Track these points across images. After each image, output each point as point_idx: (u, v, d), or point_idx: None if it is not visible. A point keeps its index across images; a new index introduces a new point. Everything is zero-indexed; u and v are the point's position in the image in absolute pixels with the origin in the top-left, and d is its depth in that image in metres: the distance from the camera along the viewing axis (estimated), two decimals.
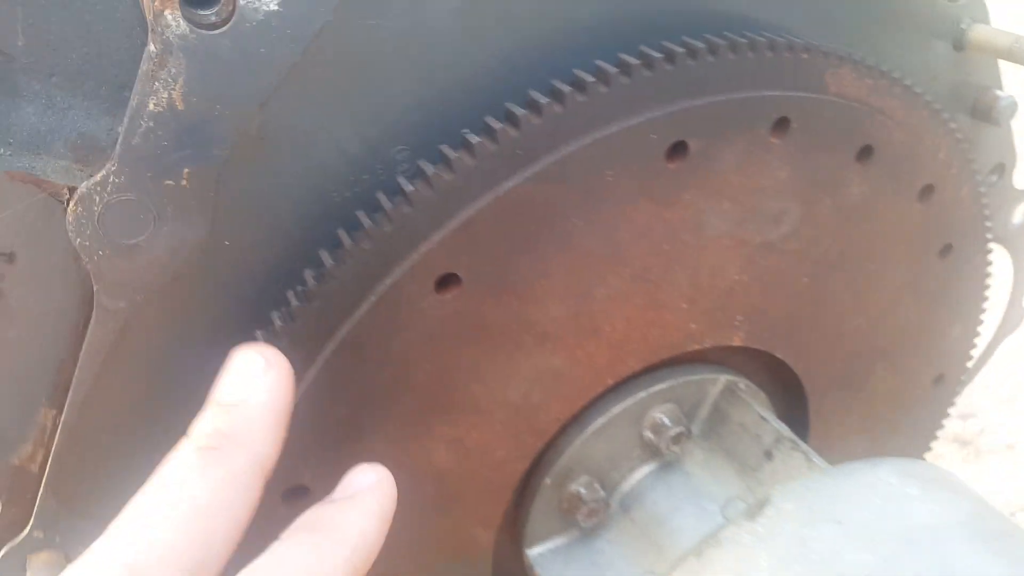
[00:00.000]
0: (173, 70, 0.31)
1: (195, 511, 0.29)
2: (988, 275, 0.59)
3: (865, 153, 0.45)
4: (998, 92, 0.55)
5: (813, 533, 0.35)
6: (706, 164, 0.40)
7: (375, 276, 0.36)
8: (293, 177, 0.36)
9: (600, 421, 0.48)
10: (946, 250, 0.53)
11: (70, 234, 0.33)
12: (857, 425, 0.60)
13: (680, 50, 0.38)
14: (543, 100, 0.36)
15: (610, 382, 0.46)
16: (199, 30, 0.31)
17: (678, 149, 0.39)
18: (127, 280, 0.34)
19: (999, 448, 2.49)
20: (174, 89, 0.32)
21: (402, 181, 0.36)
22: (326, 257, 0.36)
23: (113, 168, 0.32)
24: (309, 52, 0.34)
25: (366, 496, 0.33)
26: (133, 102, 0.32)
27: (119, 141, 0.32)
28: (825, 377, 0.54)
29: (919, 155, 0.47)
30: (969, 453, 2.49)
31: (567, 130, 0.36)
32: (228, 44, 0.32)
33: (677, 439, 0.49)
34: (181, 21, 0.31)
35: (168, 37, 0.31)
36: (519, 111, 0.36)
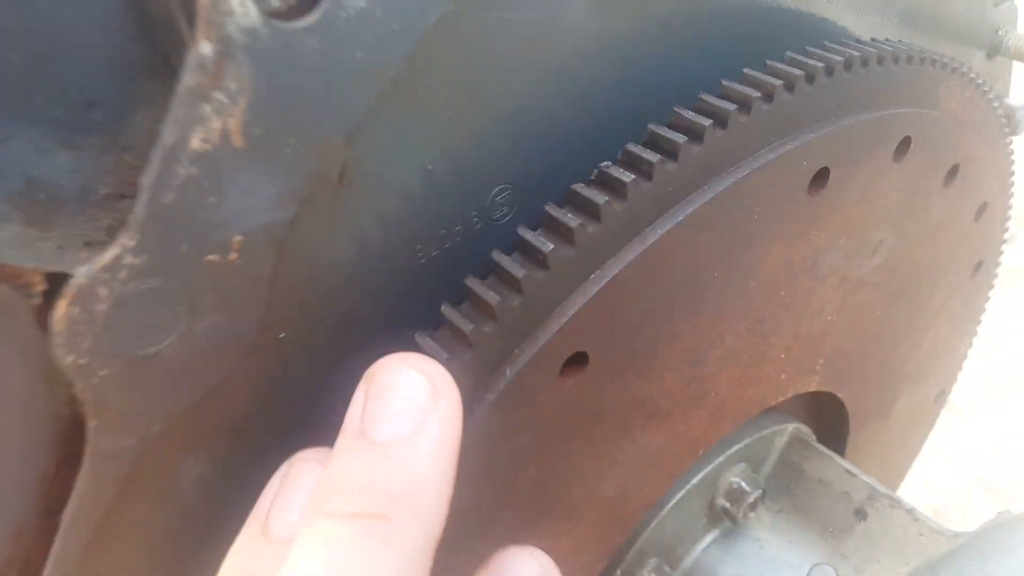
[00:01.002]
0: (234, 85, 0.20)
1: None
2: (992, 286, 0.58)
3: (952, 173, 0.41)
4: (1014, 103, 0.53)
5: None
6: (839, 194, 0.34)
7: (491, 367, 0.26)
8: (374, 235, 0.25)
9: (677, 496, 0.41)
10: (977, 267, 0.51)
11: (57, 351, 0.20)
12: (879, 451, 0.57)
13: (818, 65, 0.31)
14: (704, 123, 0.28)
15: (701, 453, 0.39)
16: (275, 22, 0.20)
17: (820, 177, 0.32)
18: (140, 407, 0.22)
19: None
20: (232, 116, 0.20)
21: (527, 235, 0.26)
22: (426, 342, 0.26)
23: (131, 244, 0.20)
24: (409, 67, 0.23)
25: None
26: (167, 139, 0.20)
27: (144, 200, 0.20)
28: (869, 410, 0.50)
29: (986, 172, 0.44)
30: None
31: (725, 160, 0.28)
32: (315, 45, 0.21)
33: (754, 504, 0.43)
34: (251, 7, 0.19)
35: (230, 32, 0.19)
36: (676, 137, 0.27)
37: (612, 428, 0.32)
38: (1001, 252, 0.55)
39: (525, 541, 0.32)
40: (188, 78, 0.19)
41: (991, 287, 0.57)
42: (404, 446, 0.22)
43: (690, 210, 0.28)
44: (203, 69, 0.19)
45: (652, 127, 0.29)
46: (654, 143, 0.28)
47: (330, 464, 0.22)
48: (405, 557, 0.21)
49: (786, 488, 0.45)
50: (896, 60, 0.34)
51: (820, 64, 0.31)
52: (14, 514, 0.24)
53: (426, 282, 0.27)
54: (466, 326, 0.25)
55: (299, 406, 0.26)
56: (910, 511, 0.41)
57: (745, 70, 0.31)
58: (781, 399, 0.41)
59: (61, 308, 0.20)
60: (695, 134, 0.28)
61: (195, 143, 0.20)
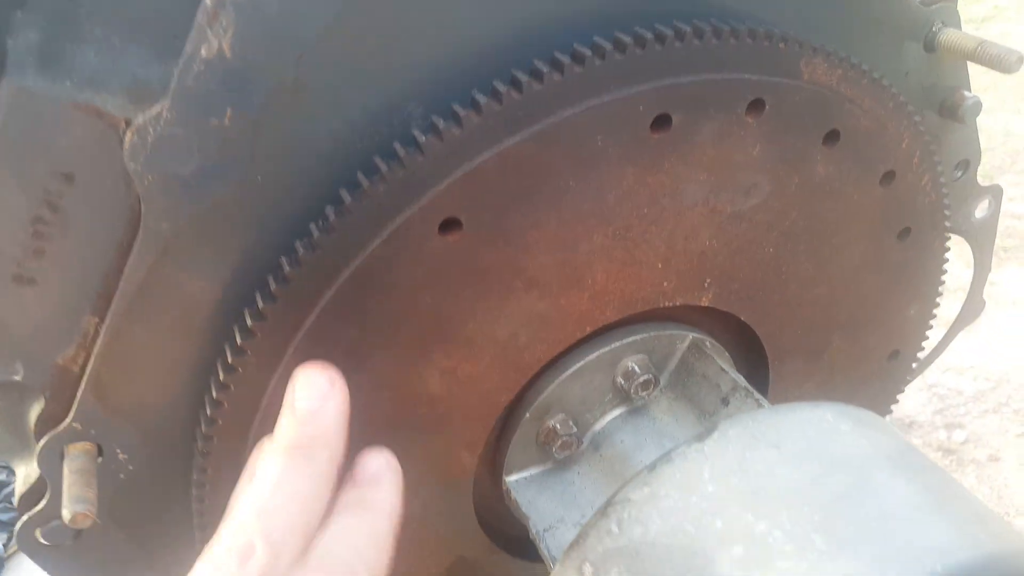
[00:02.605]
0: (224, 22, 0.36)
1: (302, 499, 0.39)
2: (946, 260, 0.64)
3: (832, 137, 0.50)
4: (965, 92, 0.60)
5: (752, 454, 0.40)
6: (686, 137, 0.45)
7: (387, 215, 0.41)
8: (321, 125, 0.41)
9: (577, 365, 0.53)
10: (905, 233, 0.59)
11: (125, 159, 0.38)
12: (815, 393, 0.66)
13: (669, 32, 0.43)
14: (545, 69, 0.41)
15: (588, 330, 0.51)
16: None
17: (662, 121, 0.44)
18: (171, 205, 0.39)
19: (982, 460, 2.56)
20: (224, 39, 0.37)
21: (416, 134, 0.41)
22: (346, 196, 0.41)
23: (167, 105, 0.37)
24: (342, 13, 0.38)
25: (386, 478, 0.43)
26: (188, 48, 0.36)
27: (174, 81, 0.37)
28: (785, 342, 0.60)
29: (883, 142, 0.52)
30: (952, 462, 2.56)
31: (564, 97, 0.41)
32: (274, 2, 0.37)
33: (645, 385, 0.55)
34: None
35: None
36: (523, 77, 0.41)
37: (496, 285, 0.46)
38: (948, 227, 0.62)
39: (429, 353, 0.47)
40: (198, 17, 0.36)
41: (943, 260, 0.64)
42: (315, 412, 0.41)
43: (539, 126, 0.41)
44: (206, 12, 0.36)
45: (535, 61, 0.42)
46: (531, 72, 0.42)
47: (277, 425, 0.42)
48: (318, 469, 0.41)
49: (681, 382, 0.56)
50: (753, 37, 0.45)
51: (671, 31, 0.43)
52: (106, 265, 0.42)
53: (359, 161, 0.42)
54: (367, 184, 0.40)
55: (272, 232, 0.43)
56: (759, 400, 0.51)
57: (616, 32, 0.43)
58: (669, 304, 0.52)
59: (128, 136, 0.37)
60: (559, 68, 0.41)
61: (203, 52, 0.37)
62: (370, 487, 0.42)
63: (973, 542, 0.38)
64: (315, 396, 0.41)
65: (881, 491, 0.40)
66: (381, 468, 0.43)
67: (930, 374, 2.89)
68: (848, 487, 0.39)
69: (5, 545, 2.44)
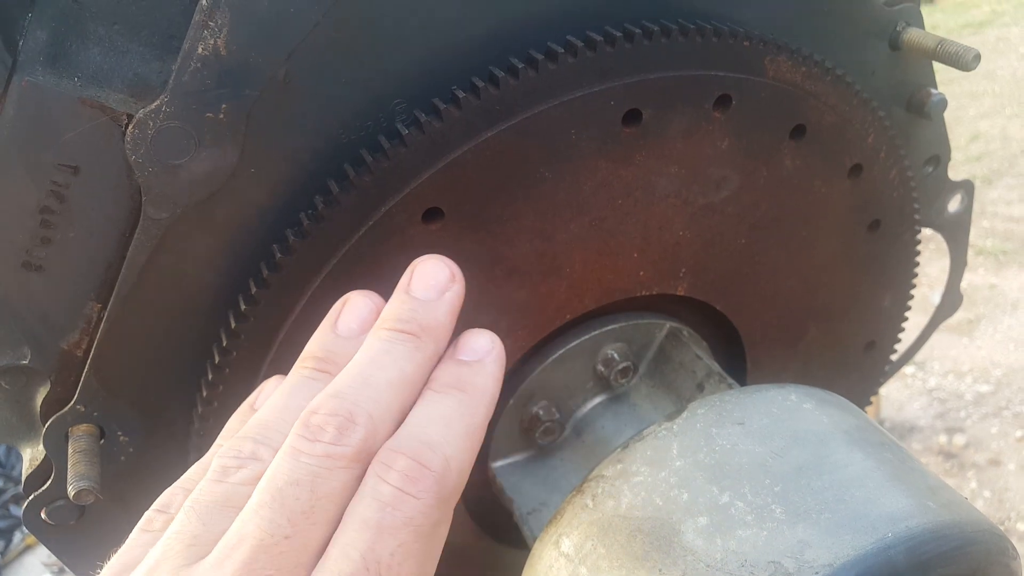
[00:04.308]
0: (220, 21, 0.39)
1: (403, 382, 0.36)
2: (918, 252, 0.67)
3: (798, 131, 0.53)
4: (931, 89, 0.62)
5: (718, 431, 0.42)
6: (656, 131, 0.48)
7: (373, 204, 0.44)
8: (310, 119, 0.44)
9: (558, 352, 0.56)
10: (875, 225, 0.61)
11: (127, 151, 0.40)
12: (792, 382, 0.68)
13: (638, 31, 0.45)
14: (520, 66, 0.43)
15: (568, 317, 0.54)
16: None
17: (633, 116, 0.47)
18: (170, 194, 0.42)
19: (983, 464, 2.58)
20: (219, 37, 0.39)
21: (399, 127, 0.44)
22: (333, 186, 0.44)
23: (166, 99, 0.40)
24: (329, 14, 0.41)
25: (489, 360, 0.40)
26: (186, 46, 0.39)
27: (172, 77, 0.39)
28: (761, 331, 0.62)
29: (848, 137, 0.55)
30: (953, 466, 2.57)
31: (538, 92, 0.44)
32: (265, 3, 0.39)
33: (624, 372, 0.57)
34: None
35: None
36: (499, 73, 0.43)
37: (477, 272, 0.48)
38: (918, 219, 0.64)
39: None
40: (196, 16, 0.39)
41: (915, 252, 0.66)
42: (431, 302, 0.40)
43: (515, 120, 0.44)
44: (203, 11, 0.38)
45: (511, 59, 0.44)
46: (507, 69, 0.44)
47: (387, 306, 0.40)
48: (422, 358, 0.38)
49: (659, 369, 0.59)
50: (718, 35, 0.47)
51: (639, 30, 0.45)
52: (108, 253, 0.44)
53: (347, 154, 0.45)
54: (353, 175, 0.43)
55: (265, 220, 0.45)
56: (731, 385, 0.53)
57: (587, 31, 0.46)
58: (645, 293, 0.55)
59: (130, 129, 0.40)
60: (534, 65, 0.44)
61: (200, 50, 0.39)
62: (470, 369, 0.39)
63: (924, 510, 0.40)
64: (433, 287, 0.39)
65: (839, 464, 0.42)
66: (485, 349, 0.40)
67: (930, 378, 2.91)
68: (807, 460, 0.42)
69: (3, 553, 2.46)
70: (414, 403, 0.37)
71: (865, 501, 0.40)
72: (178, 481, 0.38)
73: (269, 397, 0.39)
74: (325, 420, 0.33)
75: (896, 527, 0.39)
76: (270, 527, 0.30)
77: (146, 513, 0.36)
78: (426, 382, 0.38)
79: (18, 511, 2.57)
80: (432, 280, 0.40)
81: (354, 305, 0.40)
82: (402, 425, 0.35)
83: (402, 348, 0.37)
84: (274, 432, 0.35)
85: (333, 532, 0.31)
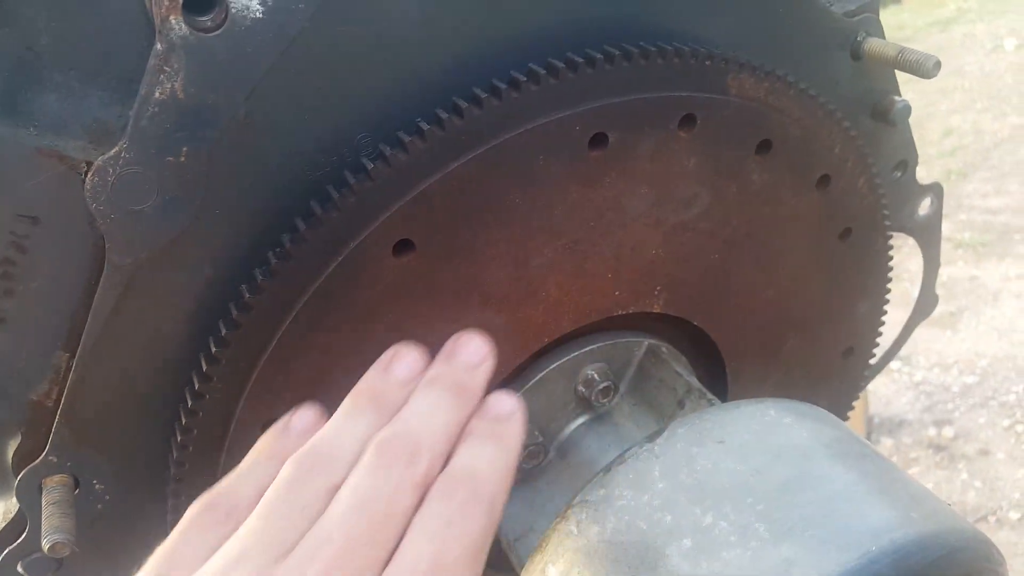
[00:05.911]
0: (176, 65, 0.38)
1: (453, 427, 0.41)
2: (891, 258, 0.67)
3: (764, 146, 0.53)
4: (895, 97, 0.63)
5: (699, 450, 0.42)
6: (624, 153, 0.48)
7: (341, 240, 0.43)
8: (273, 158, 0.43)
9: (539, 375, 0.55)
10: (846, 233, 0.61)
11: (87, 200, 0.40)
12: (773, 393, 0.68)
13: (599, 56, 0.45)
14: (483, 95, 0.43)
15: (546, 340, 0.53)
16: (198, 33, 0.38)
17: (599, 140, 0.47)
18: (133, 240, 0.41)
19: (973, 454, 2.60)
20: (176, 81, 0.39)
21: (365, 161, 0.43)
22: (300, 224, 0.43)
23: (125, 145, 0.39)
24: (288, 52, 0.41)
25: (516, 418, 0.43)
26: (142, 91, 0.39)
27: (130, 123, 0.39)
28: (739, 344, 0.62)
29: (815, 149, 0.55)
30: (943, 458, 2.59)
31: (503, 121, 0.44)
32: (221, 45, 0.39)
33: (605, 392, 0.57)
34: (183, 25, 0.38)
35: (172, 38, 0.38)
36: (463, 103, 0.43)
37: (452, 301, 0.48)
38: (888, 225, 0.64)
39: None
40: (151, 61, 0.38)
41: (888, 258, 0.66)
42: (475, 367, 0.44)
43: (481, 149, 0.44)
44: (158, 55, 0.38)
45: (474, 89, 0.44)
46: (471, 99, 0.44)
47: (433, 365, 0.44)
48: (465, 413, 0.42)
49: (640, 387, 0.58)
50: (680, 56, 0.48)
51: (600, 55, 0.45)
52: (73, 302, 0.44)
53: (313, 190, 0.44)
54: (320, 212, 0.43)
55: (231, 262, 0.45)
56: (711, 400, 0.53)
57: (549, 58, 0.46)
58: (622, 312, 0.55)
59: (90, 177, 0.39)
60: (496, 94, 0.44)
61: (157, 95, 0.39)
62: (501, 422, 0.42)
63: (908, 522, 0.40)
64: (475, 354, 0.44)
65: (821, 478, 0.42)
66: (513, 408, 0.43)
67: (916, 372, 2.93)
68: (789, 476, 0.42)
69: None
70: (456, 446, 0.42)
71: (848, 515, 0.40)
72: (217, 487, 0.40)
73: (328, 421, 0.42)
74: (399, 448, 0.38)
75: (880, 540, 0.39)
76: (355, 532, 0.35)
77: (188, 515, 0.39)
78: (462, 431, 0.43)
79: None
80: (474, 348, 0.45)
81: (405, 355, 0.44)
82: (453, 460, 0.40)
83: (453, 402, 0.42)
84: (340, 451, 0.40)
85: (397, 546, 0.36)
